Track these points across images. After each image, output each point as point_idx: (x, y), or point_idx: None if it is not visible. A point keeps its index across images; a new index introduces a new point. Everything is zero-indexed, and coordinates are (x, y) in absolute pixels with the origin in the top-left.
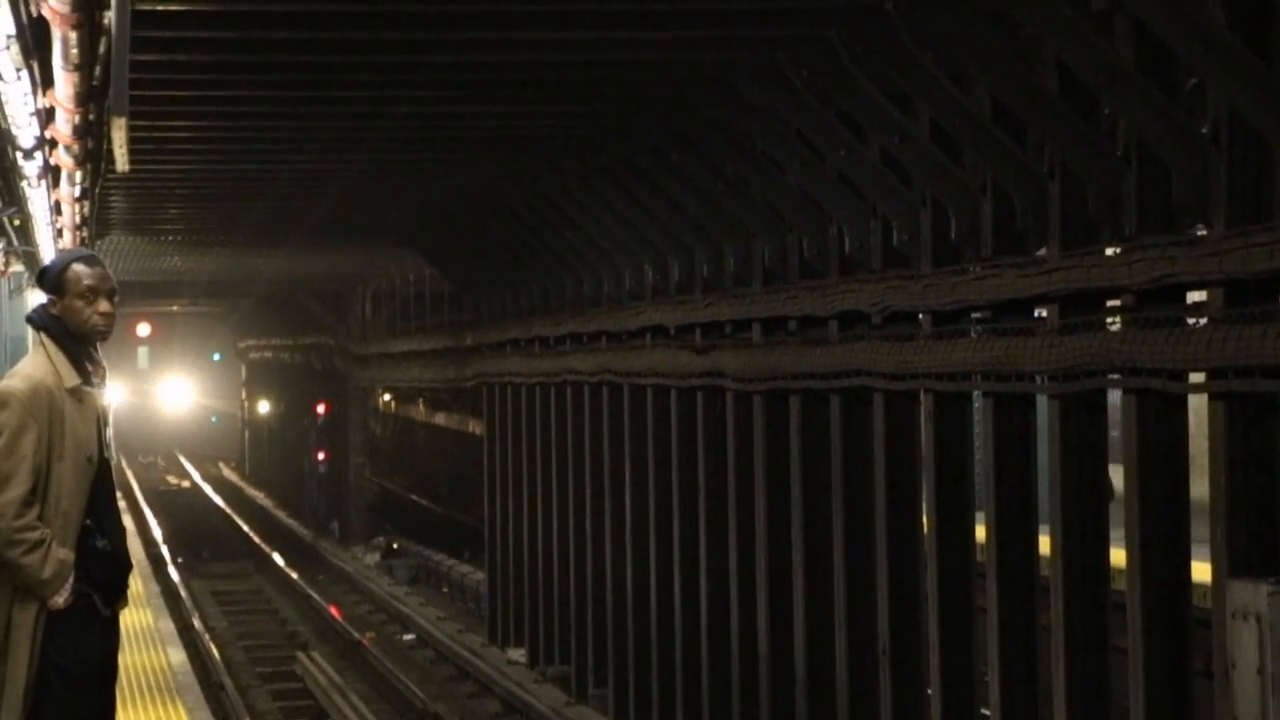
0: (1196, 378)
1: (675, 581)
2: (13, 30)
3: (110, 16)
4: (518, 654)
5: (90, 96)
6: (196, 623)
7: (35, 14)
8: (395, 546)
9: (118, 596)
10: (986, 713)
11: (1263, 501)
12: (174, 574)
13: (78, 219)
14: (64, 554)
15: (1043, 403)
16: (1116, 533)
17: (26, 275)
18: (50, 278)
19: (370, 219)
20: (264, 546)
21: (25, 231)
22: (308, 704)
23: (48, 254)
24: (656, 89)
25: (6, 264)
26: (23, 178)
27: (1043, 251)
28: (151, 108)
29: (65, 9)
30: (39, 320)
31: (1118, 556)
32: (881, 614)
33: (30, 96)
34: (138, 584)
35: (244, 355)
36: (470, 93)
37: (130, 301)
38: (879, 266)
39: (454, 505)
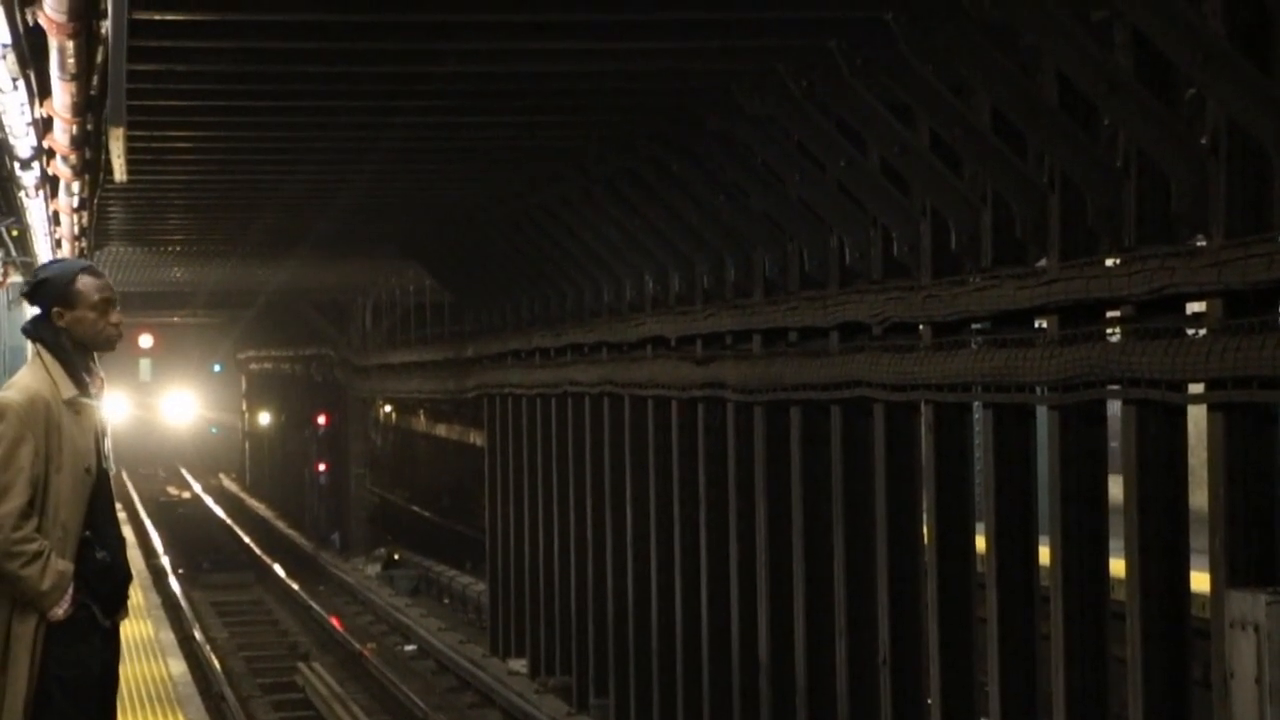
0: (1196, 388)
1: (676, 592)
2: (9, 40)
3: (107, 26)
4: (519, 664)
5: (88, 106)
6: (197, 633)
7: (32, 23)
8: (396, 557)
9: (117, 608)
10: None
11: (1261, 512)
12: (175, 585)
13: (76, 229)
14: (63, 565)
15: (1043, 414)
16: (1116, 542)
17: (25, 285)
18: (56, 290)
19: (371, 230)
20: (265, 557)
21: (23, 242)
22: (309, 715)
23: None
24: (657, 100)
25: (5, 274)
26: (20, 188)
27: (1042, 262)
28: (149, 118)
29: (62, 18)
30: (35, 332)
31: (1117, 566)
32: (882, 623)
33: (27, 106)
34: (138, 595)
35: (244, 366)
36: (471, 104)
37: (131, 313)
38: (879, 277)
39: (455, 516)
